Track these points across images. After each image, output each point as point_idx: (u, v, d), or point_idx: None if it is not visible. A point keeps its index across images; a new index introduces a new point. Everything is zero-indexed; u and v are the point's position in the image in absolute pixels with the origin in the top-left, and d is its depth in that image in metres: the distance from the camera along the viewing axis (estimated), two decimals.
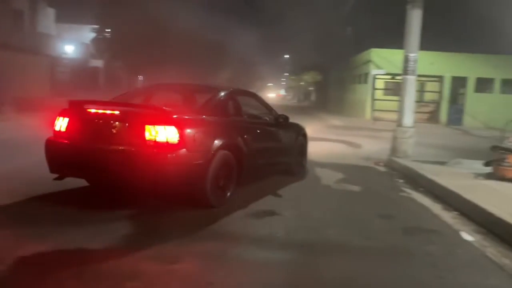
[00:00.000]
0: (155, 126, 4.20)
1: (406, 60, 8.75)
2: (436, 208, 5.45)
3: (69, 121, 4.58)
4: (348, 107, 26.81)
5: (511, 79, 22.27)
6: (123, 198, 4.91)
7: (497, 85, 22.45)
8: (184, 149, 4.22)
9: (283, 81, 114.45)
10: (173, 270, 3.10)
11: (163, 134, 4.19)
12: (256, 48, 48.55)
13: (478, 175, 6.94)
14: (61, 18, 29.87)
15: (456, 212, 5.24)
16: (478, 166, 7.76)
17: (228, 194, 4.90)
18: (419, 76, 25.46)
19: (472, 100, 22.29)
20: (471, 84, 22.51)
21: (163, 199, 4.82)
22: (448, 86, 22.43)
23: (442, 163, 8.38)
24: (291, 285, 3.04)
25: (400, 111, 9.00)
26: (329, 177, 6.91)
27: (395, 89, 23.22)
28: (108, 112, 4.43)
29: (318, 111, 30.30)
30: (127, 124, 4.36)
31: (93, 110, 4.55)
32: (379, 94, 22.20)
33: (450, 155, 9.57)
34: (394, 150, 8.87)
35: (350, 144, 11.99)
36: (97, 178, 4.85)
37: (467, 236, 4.31)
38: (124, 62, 28.33)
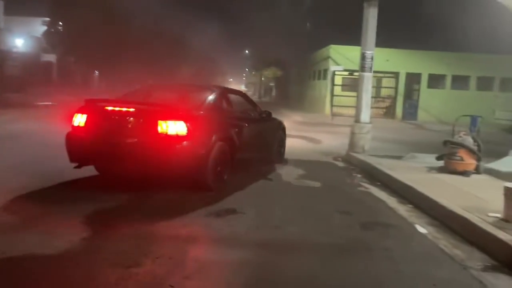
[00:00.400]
0: (167, 121, 4.87)
1: (363, 57, 8.95)
2: (392, 202, 5.62)
3: (87, 117, 5.18)
4: (308, 103, 27.20)
5: (461, 76, 23.37)
6: (124, 183, 5.48)
7: (448, 81, 23.48)
8: (190, 141, 4.93)
9: (243, 76, 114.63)
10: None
11: (174, 128, 4.87)
12: (217, 43, 48.24)
13: (431, 169, 7.23)
14: (10, 10, 28.40)
15: (410, 205, 5.43)
16: (431, 160, 8.08)
17: (225, 177, 5.67)
18: (375, 72, 26.11)
19: (426, 96, 23.20)
20: (424, 80, 23.42)
21: (152, 184, 5.48)
22: (403, 82, 23.23)
23: (397, 158, 8.67)
24: (251, 285, 3.03)
25: (357, 107, 9.21)
26: (290, 174, 6.97)
27: (353, 85, 23.86)
28: (125, 109, 5.10)
29: (279, 107, 30.40)
30: (141, 120, 5.01)
31: (110, 108, 5.19)
32: (338, 90, 22.66)
33: (406, 150, 9.91)
34: (352, 146, 9.07)
35: (310, 140, 12.17)
36: (113, 167, 5.39)
37: (421, 229, 4.48)
38: (79, 56, 27.34)
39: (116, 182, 5.50)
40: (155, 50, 39.68)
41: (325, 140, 12.02)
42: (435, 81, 23.59)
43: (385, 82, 23.69)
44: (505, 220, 4.26)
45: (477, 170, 6.80)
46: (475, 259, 3.66)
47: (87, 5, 23.32)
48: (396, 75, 23.12)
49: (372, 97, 23.75)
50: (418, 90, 23.47)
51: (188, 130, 4.89)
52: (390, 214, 5.02)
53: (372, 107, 25.23)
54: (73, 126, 5.27)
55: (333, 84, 22.29)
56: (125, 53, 27.85)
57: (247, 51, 75.27)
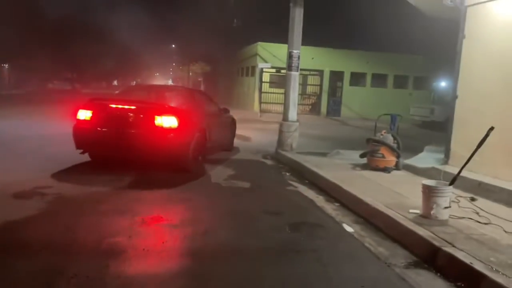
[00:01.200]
0: (162, 116, 6.21)
1: (290, 56, 9.04)
2: (319, 200, 5.72)
3: (93, 112, 6.39)
4: (237, 99, 27.21)
5: (380, 74, 24.73)
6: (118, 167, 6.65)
7: (368, 79, 24.74)
8: (179, 132, 6.27)
9: (170, 71, 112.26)
10: None
11: (168, 121, 6.21)
12: (143, 38, 46.80)
13: (356, 166, 7.50)
14: None
15: (337, 204, 5.56)
16: (355, 156, 8.39)
17: (200, 158, 7.09)
18: (301, 70, 26.77)
19: (348, 93, 24.25)
20: (347, 78, 24.45)
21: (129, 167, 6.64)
22: (327, 79, 24.04)
23: (323, 154, 8.90)
24: None
25: (285, 105, 9.31)
26: (219, 174, 6.85)
27: (280, 82, 24.32)
28: (127, 107, 6.37)
29: None
30: (141, 115, 6.28)
31: (114, 105, 6.44)
32: (265, 87, 22.93)
33: (331, 146, 10.21)
34: (280, 144, 9.16)
35: (239, 137, 12.06)
36: (116, 153, 6.54)
37: (348, 228, 4.58)
38: None
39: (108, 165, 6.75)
40: (74, 43, 37.45)
41: (255, 138, 12.04)
42: (357, 79, 24.74)
43: (310, 80, 24.39)
44: (424, 216, 4.48)
45: (397, 167, 7.16)
46: (398, 256, 3.80)
47: None
48: (320, 73, 23.88)
49: (298, 94, 24.45)
50: (341, 87, 24.44)
51: (178, 123, 6.22)
52: (318, 214, 5.09)
53: (298, 104, 25.92)
54: (78, 119, 6.45)
55: (261, 81, 22.49)
56: (36, 45, 25.80)
57: (173, 46, 73.70)
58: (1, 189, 5.14)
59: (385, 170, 7.04)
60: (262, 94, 22.50)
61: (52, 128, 11.00)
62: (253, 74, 24.96)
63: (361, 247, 4.02)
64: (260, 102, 22.52)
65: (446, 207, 4.38)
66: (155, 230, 4.18)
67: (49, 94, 32.05)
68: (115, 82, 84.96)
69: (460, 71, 6.50)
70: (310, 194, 6.05)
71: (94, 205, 4.77)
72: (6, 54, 25.66)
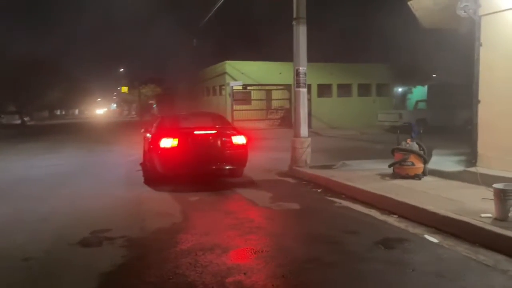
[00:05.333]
0: (237, 136, 8.16)
1: (297, 73, 9.14)
2: (375, 214, 5.75)
3: (179, 140, 7.77)
4: None
5: (344, 84, 25.56)
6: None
7: (334, 90, 25.46)
8: (247, 147, 8.28)
9: (114, 95, 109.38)
10: None
11: (241, 139, 8.16)
12: (88, 65, 45.83)
13: (384, 176, 7.64)
14: None
15: (395, 216, 5.61)
16: (367, 166, 8.62)
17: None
18: (268, 85, 26.81)
19: (317, 104, 24.78)
20: (314, 90, 25.00)
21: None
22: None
23: (329, 167, 8.92)
24: None
25: (296, 122, 9.36)
26: (258, 197, 6.76)
27: (245, 99, 24.48)
28: (209, 132, 8.06)
29: None
30: (222, 138, 8.06)
31: (197, 132, 7.98)
32: (235, 104, 22.92)
33: (323, 158, 10.32)
34: (294, 160, 9.15)
35: None
36: (198, 170, 8.07)
37: (431, 238, 4.64)
38: None
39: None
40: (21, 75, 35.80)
41: (249, 157, 11.94)
42: (323, 90, 25.38)
43: (279, 94, 24.66)
44: (500, 219, 4.64)
45: (424, 173, 7.38)
46: (504, 263, 3.89)
47: None
48: (289, 87, 24.24)
49: (263, 109, 24.49)
50: (310, 99, 24.92)
51: (246, 140, 8.20)
52: (390, 228, 5.10)
53: (266, 119, 25.97)
54: (164, 148, 7.74)
55: (232, 99, 22.47)
56: None
57: (122, 70, 71.95)
58: (58, 238, 4.74)
59: (415, 177, 7.23)
60: (234, 112, 22.46)
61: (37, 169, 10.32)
62: (221, 92, 24.91)
63: (462, 257, 4.07)
64: (233, 120, 22.44)
65: None
66: (258, 264, 3.99)
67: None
68: (58, 112, 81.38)
69: (480, 77, 6.86)
70: (360, 208, 6.08)
71: (174, 244, 4.50)
72: None
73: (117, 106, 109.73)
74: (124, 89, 67.49)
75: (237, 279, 3.56)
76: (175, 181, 7.93)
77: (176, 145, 7.72)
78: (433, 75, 25.31)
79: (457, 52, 16.43)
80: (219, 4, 17.64)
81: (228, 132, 8.20)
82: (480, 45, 6.84)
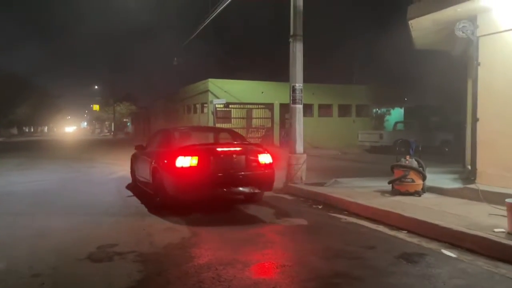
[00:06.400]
0: (263, 154, 7.17)
1: (293, 90, 9.14)
2: (384, 229, 5.71)
3: (199, 158, 6.63)
4: None
5: (325, 104, 25.90)
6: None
7: (315, 110, 25.74)
8: (273, 166, 7.31)
9: (85, 113, 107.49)
10: None
11: (268, 159, 7.19)
12: (60, 80, 45.13)
13: (384, 192, 7.65)
14: None
15: (405, 231, 5.59)
16: (359, 183, 8.65)
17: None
18: (249, 104, 26.86)
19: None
20: None
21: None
22: (278, 112, 24.57)
23: (321, 184, 8.88)
24: None
25: (291, 139, 9.32)
26: (265, 214, 6.64)
27: (227, 117, 24.40)
28: (233, 149, 7.12)
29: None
30: (249, 156, 7.04)
31: (220, 149, 7.01)
32: (211, 122, 22.78)
33: (317, 175, 10.30)
34: (290, 177, 9.09)
35: None
36: (218, 192, 6.71)
37: (448, 253, 4.62)
38: None
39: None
40: None
41: None
42: (305, 110, 25.52)
43: (256, 113, 24.59)
44: None
45: (423, 189, 7.44)
46: None
47: None
48: (271, 106, 24.38)
49: (243, 127, 24.46)
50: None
51: (272, 159, 7.28)
52: (404, 243, 5.05)
53: (247, 137, 26.01)
54: (181, 167, 6.55)
55: (215, 117, 22.36)
56: None
57: (96, 87, 70.83)
58: (62, 254, 4.45)
59: (415, 194, 7.28)
60: None
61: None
62: (203, 110, 24.76)
63: (486, 271, 4.05)
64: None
65: None
66: (284, 279, 3.84)
67: None
68: (26, 129, 78.92)
69: (478, 96, 7.04)
70: (368, 224, 6.03)
71: (190, 258, 4.30)
72: None
73: (87, 124, 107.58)
74: (96, 107, 66.62)
75: None
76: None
77: (196, 164, 6.57)
78: (405, 99, 25.97)
79: (437, 74, 17.02)
80: (202, 27, 17.72)
81: (254, 149, 7.25)
82: (478, 64, 7.04)
